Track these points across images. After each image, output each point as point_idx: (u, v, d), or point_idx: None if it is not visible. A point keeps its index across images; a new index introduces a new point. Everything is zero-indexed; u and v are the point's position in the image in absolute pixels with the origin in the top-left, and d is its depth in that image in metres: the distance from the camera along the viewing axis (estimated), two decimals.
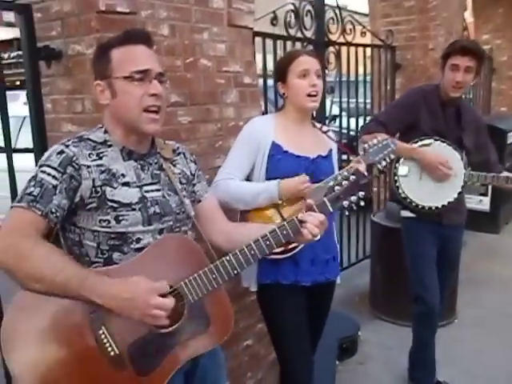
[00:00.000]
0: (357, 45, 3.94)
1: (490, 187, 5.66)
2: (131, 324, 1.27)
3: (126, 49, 1.35)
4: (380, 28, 4.48)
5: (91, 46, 1.81)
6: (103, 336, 1.27)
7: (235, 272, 1.42)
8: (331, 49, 3.66)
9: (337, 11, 3.63)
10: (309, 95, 1.94)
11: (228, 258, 1.42)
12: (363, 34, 4.03)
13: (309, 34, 3.41)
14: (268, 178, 1.94)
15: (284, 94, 2.02)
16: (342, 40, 3.76)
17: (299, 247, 1.90)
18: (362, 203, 1.57)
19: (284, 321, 1.98)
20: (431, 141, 2.51)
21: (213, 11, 2.24)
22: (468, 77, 2.47)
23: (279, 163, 1.94)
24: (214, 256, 1.51)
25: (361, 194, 1.56)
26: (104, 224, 1.32)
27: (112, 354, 1.27)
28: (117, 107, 1.37)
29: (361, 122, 4.13)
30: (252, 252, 1.44)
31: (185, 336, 1.36)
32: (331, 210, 1.55)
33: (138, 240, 1.36)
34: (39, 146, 1.97)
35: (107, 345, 1.27)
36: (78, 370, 1.25)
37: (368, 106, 4.45)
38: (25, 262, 1.19)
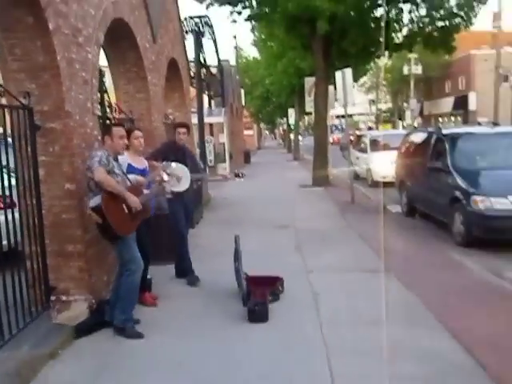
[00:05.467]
0: None
1: None
2: None
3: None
4: (123, 107, 7.69)
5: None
6: (124, 206, 4.24)
7: None
8: None
9: None
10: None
11: None
12: None
13: None
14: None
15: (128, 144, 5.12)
16: None
17: None
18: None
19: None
20: (174, 164, 5.88)
21: (90, 108, 5.11)
22: (185, 136, 6.02)
23: (130, 170, 4.98)
24: None
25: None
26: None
27: (126, 211, 4.26)
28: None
29: None
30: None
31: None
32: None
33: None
34: None
35: (125, 208, 4.26)
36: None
37: None
38: (111, 183, 4.15)
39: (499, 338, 4.12)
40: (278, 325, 4.57)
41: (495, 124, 9.92)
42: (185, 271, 6.06)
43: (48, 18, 4.30)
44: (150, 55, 7.83)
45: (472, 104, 39.86)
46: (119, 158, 4.89)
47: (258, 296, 4.84)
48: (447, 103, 43.25)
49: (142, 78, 7.62)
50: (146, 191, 4.78)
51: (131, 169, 4.96)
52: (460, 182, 7.59)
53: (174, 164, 5.84)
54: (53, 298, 4.68)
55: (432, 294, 5.28)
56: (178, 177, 5.52)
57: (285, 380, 3.59)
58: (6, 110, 4.19)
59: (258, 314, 4.55)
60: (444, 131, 9.07)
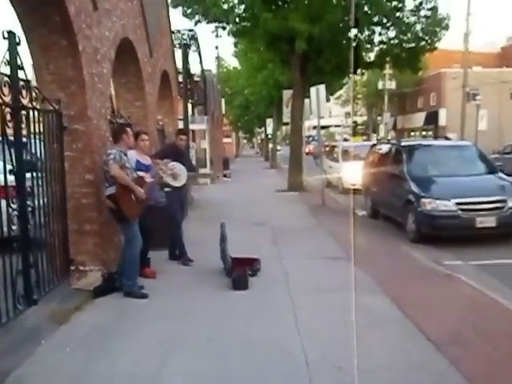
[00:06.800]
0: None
1: None
2: None
3: None
4: (123, 113, 8.75)
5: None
6: (132, 196, 5.32)
7: None
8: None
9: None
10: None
11: None
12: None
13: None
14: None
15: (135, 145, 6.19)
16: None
17: None
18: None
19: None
20: (174, 162, 6.97)
21: (104, 114, 6.18)
22: (185, 141, 7.15)
23: (137, 165, 6.06)
24: None
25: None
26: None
27: (134, 200, 5.38)
28: None
29: None
30: None
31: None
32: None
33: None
34: None
35: (133, 197, 5.36)
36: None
37: None
38: (123, 178, 5.24)
39: (426, 301, 5.34)
40: (256, 291, 5.72)
41: (447, 138, 11.28)
42: (180, 254, 7.16)
43: (78, 41, 5.39)
44: (147, 68, 8.94)
45: (442, 119, 41.84)
46: (128, 154, 5.98)
47: (240, 270, 5.96)
48: (419, 118, 45.22)
49: (141, 88, 8.72)
50: (148, 180, 5.84)
51: (139, 164, 6.04)
52: (413, 186, 8.86)
53: (173, 163, 6.98)
54: (72, 268, 5.71)
55: (381, 274, 6.47)
56: (175, 173, 6.62)
57: (260, 323, 4.74)
58: (42, 113, 5.25)
59: (239, 283, 5.68)
60: (402, 143, 10.40)
